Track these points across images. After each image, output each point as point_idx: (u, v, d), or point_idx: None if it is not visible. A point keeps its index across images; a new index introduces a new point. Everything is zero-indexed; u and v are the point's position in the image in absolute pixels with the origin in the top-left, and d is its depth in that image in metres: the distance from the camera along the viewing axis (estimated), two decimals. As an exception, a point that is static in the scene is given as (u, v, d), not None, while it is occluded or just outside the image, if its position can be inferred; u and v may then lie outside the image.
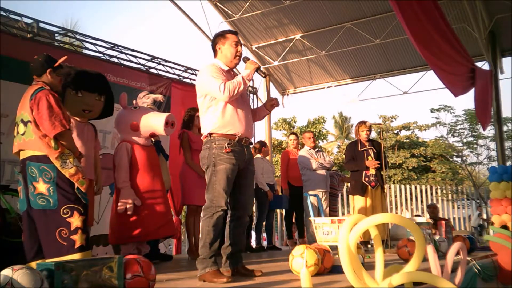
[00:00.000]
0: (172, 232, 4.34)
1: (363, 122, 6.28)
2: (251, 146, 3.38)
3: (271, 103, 3.37)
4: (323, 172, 6.51)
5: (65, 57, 3.42)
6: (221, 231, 3.09)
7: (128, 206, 3.99)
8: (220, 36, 3.29)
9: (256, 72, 3.28)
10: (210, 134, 3.13)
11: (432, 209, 8.30)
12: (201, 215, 3.10)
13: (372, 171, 5.97)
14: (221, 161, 3.05)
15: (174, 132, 4.93)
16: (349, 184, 6.59)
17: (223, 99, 3.07)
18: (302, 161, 6.64)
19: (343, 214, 11.93)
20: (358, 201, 6.00)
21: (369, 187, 5.94)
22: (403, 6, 5.31)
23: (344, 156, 6.62)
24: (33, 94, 3.07)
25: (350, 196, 6.21)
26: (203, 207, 3.11)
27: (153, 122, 4.20)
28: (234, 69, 3.38)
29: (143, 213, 4.06)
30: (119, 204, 4.02)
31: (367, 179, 5.94)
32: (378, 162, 5.96)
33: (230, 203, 3.24)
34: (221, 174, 3.04)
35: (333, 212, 7.21)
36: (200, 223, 3.10)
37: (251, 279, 3.07)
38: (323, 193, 6.43)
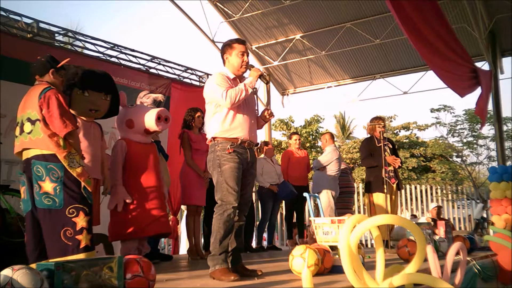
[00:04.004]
0: (165, 230, 4.24)
1: (379, 118, 6.10)
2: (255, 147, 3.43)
3: (264, 115, 3.47)
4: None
5: (68, 58, 3.44)
6: (232, 229, 3.18)
7: (118, 204, 3.99)
8: (227, 46, 3.41)
9: (259, 79, 3.37)
10: (214, 138, 3.28)
11: (439, 210, 8.34)
12: (214, 213, 3.18)
13: (390, 167, 5.74)
14: (226, 161, 3.18)
15: (173, 133, 4.93)
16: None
17: (225, 106, 3.21)
18: None
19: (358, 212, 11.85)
20: (377, 198, 5.71)
21: (389, 183, 5.67)
22: (398, 7, 5.31)
23: (360, 153, 6.37)
24: (42, 93, 3.07)
25: (366, 194, 5.98)
26: (215, 206, 3.19)
27: (146, 118, 4.19)
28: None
29: (135, 210, 4.03)
30: (110, 201, 4.02)
31: (387, 175, 5.66)
32: (398, 159, 5.78)
33: None
34: (227, 173, 3.16)
35: (348, 210, 7.12)
36: (212, 221, 3.18)
37: (251, 279, 3.08)
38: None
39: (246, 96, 3.24)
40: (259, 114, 3.52)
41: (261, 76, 3.36)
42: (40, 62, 3.26)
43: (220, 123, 3.25)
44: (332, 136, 7.08)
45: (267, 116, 3.46)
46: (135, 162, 4.13)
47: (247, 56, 3.42)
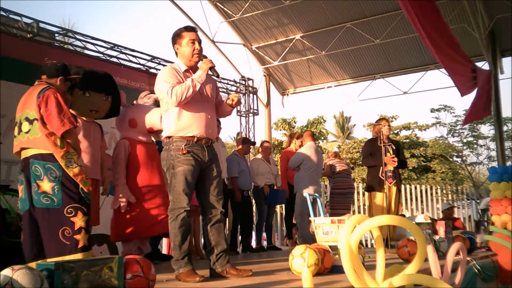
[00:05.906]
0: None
1: (383, 119, 6.17)
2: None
3: (229, 101, 3.29)
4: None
5: (80, 75, 3.53)
6: (188, 231, 3.12)
7: (121, 204, 3.99)
8: (176, 36, 3.20)
9: (210, 71, 3.19)
10: (169, 137, 3.13)
11: (451, 210, 8.36)
12: (168, 218, 3.12)
13: (389, 167, 5.73)
14: (179, 163, 3.05)
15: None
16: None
17: (172, 104, 3.05)
18: None
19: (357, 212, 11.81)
20: (375, 197, 5.74)
21: (386, 183, 5.66)
22: (413, 6, 5.32)
23: (361, 152, 6.42)
24: (41, 92, 3.07)
25: (367, 194, 6.00)
26: (168, 209, 3.13)
27: (150, 117, 4.20)
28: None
29: (140, 209, 4.04)
30: (113, 201, 4.03)
31: (384, 174, 5.65)
32: (396, 159, 5.76)
33: (200, 206, 3.30)
34: (180, 176, 3.05)
35: (348, 210, 7.11)
36: (169, 227, 3.11)
37: (250, 279, 3.07)
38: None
39: (194, 92, 3.03)
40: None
41: (211, 69, 3.16)
42: (55, 66, 3.30)
43: (174, 121, 3.08)
44: (311, 134, 7.04)
45: (233, 103, 3.26)
46: (138, 161, 4.13)
47: (199, 44, 3.18)
